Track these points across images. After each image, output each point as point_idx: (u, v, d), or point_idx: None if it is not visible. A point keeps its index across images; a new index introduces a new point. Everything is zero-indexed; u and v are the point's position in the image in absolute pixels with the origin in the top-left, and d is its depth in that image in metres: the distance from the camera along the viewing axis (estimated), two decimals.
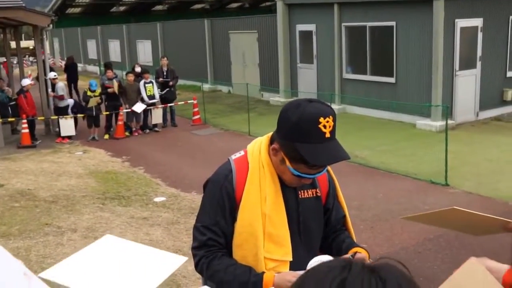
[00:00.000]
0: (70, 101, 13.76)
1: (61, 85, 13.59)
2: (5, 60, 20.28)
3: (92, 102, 12.88)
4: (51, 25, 14.54)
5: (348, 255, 1.98)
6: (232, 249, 2.07)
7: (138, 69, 15.72)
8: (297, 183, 2.02)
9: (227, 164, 2.12)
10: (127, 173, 9.83)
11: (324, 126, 1.82)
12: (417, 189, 8.01)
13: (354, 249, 2.07)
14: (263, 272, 1.97)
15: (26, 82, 13.39)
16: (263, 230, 2.01)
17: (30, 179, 9.48)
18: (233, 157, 2.13)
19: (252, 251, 2.02)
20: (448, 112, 9.63)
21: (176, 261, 1.73)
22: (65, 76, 20.70)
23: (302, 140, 1.84)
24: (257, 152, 2.06)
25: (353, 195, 7.79)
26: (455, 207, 1.64)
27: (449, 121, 10.49)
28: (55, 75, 13.69)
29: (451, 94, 12.21)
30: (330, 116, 1.85)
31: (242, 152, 2.13)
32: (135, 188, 8.71)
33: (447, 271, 5.20)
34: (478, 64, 12.48)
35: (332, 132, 1.86)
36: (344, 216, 2.32)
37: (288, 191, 2.08)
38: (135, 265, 1.66)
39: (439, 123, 11.50)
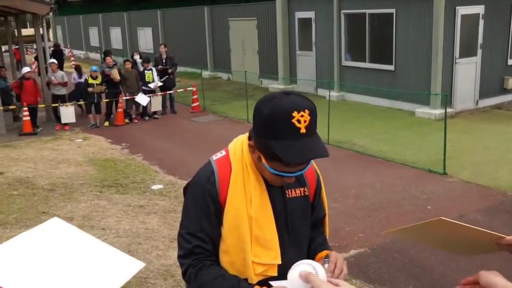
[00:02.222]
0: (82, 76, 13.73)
1: (62, 73, 13.58)
2: (17, 47, 20.39)
3: (97, 89, 12.92)
4: (50, 13, 14.50)
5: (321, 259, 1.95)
6: (219, 255, 1.97)
7: (136, 57, 15.71)
8: (279, 182, 1.91)
9: (208, 166, 2.00)
10: (125, 160, 9.83)
11: (299, 121, 1.69)
12: (415, 177, 8.00)
13: (324, 253, 2.02)
14: (253, 285, 1.90)
15: (25, 69, 13.41)
16: (250, 234, 1.91)
17: (30, 167, 9.48)
18: (214, 157, 2.01)
19: (239, 256, 1.93)
20: (447, 100, 9.58)
21: (132, 266, 1.44)
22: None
23: (275, 136, 1.71)
24: (239, 151, 1.96)
25: (351, 183, 7.80)
26: (442, 217, 1.52)
27: (448, 109, 10.46)
28: (53, 61, 13.63)
29: (451, 82, 12.15)
30: (306, 110, 1.71)
31: (224, 152, 2.01)
32: (133, 176, 8.71)
33: (444, 262, 5.17)
34: (479, 51, 12.40)
35: (309, 127, 1.72)
36: (325, 215, 2.23)
37: (275, 191, 1.97)
38: (82, 263, 1.38)
39: (438, 111, 11.47)
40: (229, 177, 1.94)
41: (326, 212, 2.24)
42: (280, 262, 1.95)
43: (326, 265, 1.86)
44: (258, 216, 1.92)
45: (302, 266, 1.37)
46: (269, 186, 1.96)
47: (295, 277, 1.36)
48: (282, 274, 1.89)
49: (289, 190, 2.02)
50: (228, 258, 1.95)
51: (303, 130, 1.70)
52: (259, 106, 1.78)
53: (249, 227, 1.91)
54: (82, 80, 13.47)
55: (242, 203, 1.92)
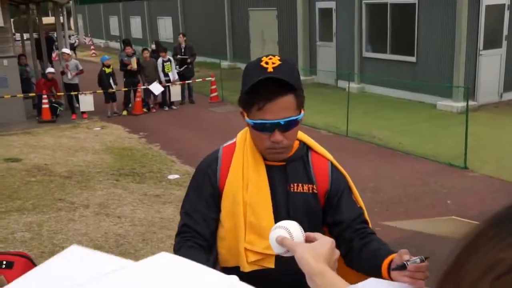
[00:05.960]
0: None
1: (76, 62, 13.52)
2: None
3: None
4: (70, 1, 14.53)
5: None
6: (217, 241, 1.95)
7: (152, 46, 15.74)
8: (270, 145, 1.80)
9: (215, 152, 2.02)
10: (143, 149, 9.83)
11: (266, 63, 1.73)
12: (435, 171, 7.84)
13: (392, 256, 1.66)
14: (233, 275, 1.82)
15: (49, 69, 13.51)
16: (244, 220, 1.88)
17: (48, 154, 9.54)
18: (224, 144, 2.03)
19: (235, 243, 1.90)
20: (469, 93, 9.37)
21: None
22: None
23: (247, 82, 1.76)
24: (243, 138, 1.97)
25: (369, 176, 7.67)
26: (453, 217, 1.40)
27: (471, 102, 10.24)
28: (65, 51, 13.52)
29: (474, 74, 11.89)
30: (277, 57, 1.76)
31: (234, 140, 2.02)
32: (149, 165, 8.70)
33: None
34: (504, 43, 12.10)
35: (278, 68, 1.71)
36: (362, 213, 2.02)
37: (277, 182, 1.91)
38: None
39: (460, 104, 11.22)
40: (230, 163, 1.94)
41: (364, 210, 2.05)
42: (275, 253, 1.84)
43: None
44: (253, 202, 1.87)
45: (277, 231, 1.39)
46: (272, 176, 1.90)
47: (273, 241, 1.40)
48: (280, 266, 1.82)
49: (294, 184, 1.92)
50: (226, 245, 1.93)
51: (270, 69, 1.71)
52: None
53: (243, 213, 1.88)
54: None
55: (239, 188, 1.89)
